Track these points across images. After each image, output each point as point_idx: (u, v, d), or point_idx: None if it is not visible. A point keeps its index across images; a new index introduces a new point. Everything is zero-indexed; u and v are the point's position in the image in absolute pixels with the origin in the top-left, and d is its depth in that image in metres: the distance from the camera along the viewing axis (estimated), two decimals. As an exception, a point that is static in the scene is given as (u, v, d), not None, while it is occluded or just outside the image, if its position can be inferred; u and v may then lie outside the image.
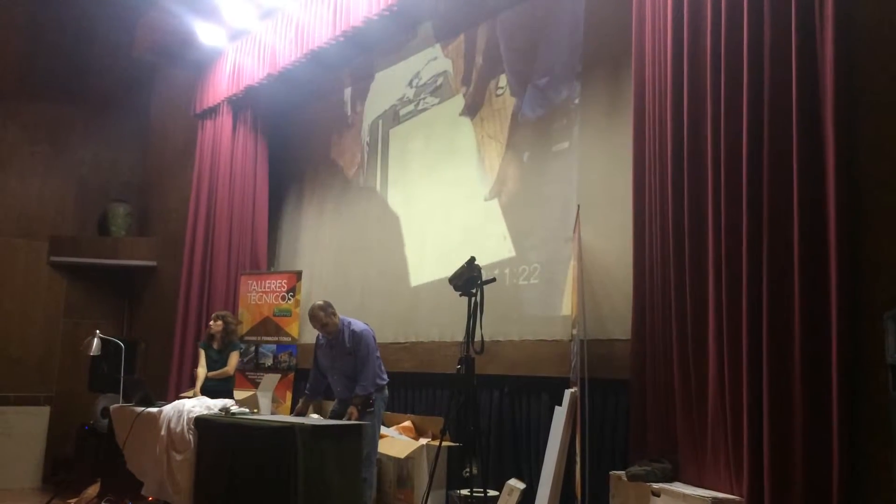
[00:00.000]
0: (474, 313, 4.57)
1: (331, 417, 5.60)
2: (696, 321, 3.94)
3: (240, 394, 6.81)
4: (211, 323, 6.63)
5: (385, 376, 5.55)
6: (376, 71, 7.50)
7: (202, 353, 6.62)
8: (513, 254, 5.72)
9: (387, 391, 5.58)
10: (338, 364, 5.52)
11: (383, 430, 5.93)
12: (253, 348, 7.51)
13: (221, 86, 8.23)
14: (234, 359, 6.58)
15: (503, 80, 6.06)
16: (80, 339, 7.52)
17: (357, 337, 5.42)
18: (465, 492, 4.72)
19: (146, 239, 9.38)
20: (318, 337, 5.66)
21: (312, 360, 5.75)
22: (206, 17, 7.84)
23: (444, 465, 5.47)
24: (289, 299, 7.39)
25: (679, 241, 4.07)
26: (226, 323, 6.63)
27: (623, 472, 4.08)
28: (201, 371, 6.51)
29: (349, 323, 5.52)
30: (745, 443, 3.53)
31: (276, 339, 7.46)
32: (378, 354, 5.54)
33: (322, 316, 5.41)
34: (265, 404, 6.96)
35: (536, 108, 5.72)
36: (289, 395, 7.13)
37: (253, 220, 8.30)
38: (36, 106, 9.20)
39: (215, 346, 6.58)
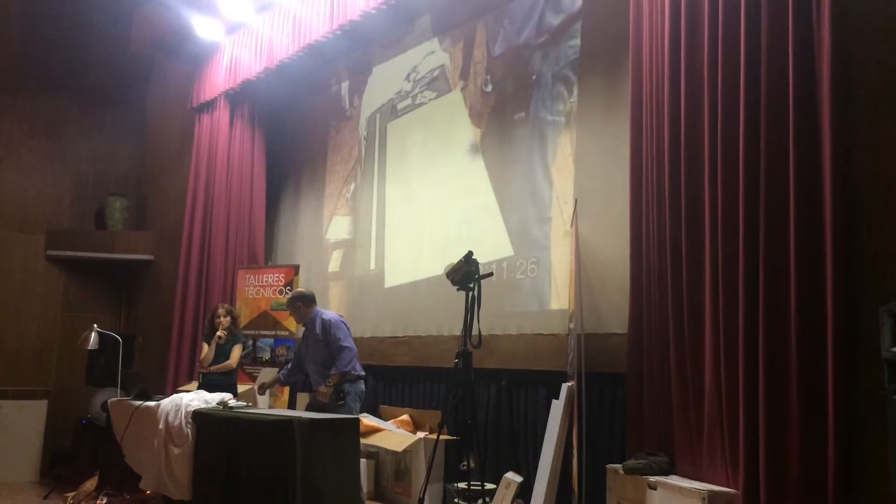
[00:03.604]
0: (472, 307, 4.58)
1: (307, 409, 5.68)
2: (692, 315, 3.95)
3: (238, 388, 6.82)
4: (220, 318, 6.60)
5: (361, 370, 5.58)
6: (374, 65, 7.49)
7: (206, 347, 6.60)
8: (510, 248, 5.72)
9: (362, 385, 5.58)
10: (310, 354, 5.70)
11: (381, 423, 5.95)
12: (250, 342, 7.52)
13: (218, 80, 8.22)
14: (236, 352, 6.58)
15: (500, 74, 6.06)
16: (77, 333, 7.52)
17: (327, 325, 5.57)
18: (462, 485, 4.73)
19: (143, 233, 9.37)
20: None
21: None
22: (203, 10, 7.83)
23: (442, 459, 5.49)
24: (286, 293, 7.38)
25: (676, 234, 4.08)
26: (232, 317, 6.65)
27: (620, 465, 4.10)
28: (208, 354, 6.51)
29: (321, 312, 5.73)
30: (742, 436, 3.55)
31: (273, 333, 7.48)
32: (354, 347, 5.58)
33: (287, 306, 5.79)
34: (262, 398, 6.96)
35: (533, 102, 5.72)
36: (286, 389, 7.15)
37: (250, 213, 8.29)
38: (33, 100, 9.18)
39: (221, 341, 6.56)
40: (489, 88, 6.13)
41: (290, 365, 5.99)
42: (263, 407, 6.45)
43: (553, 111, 5.55)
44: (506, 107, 5.95)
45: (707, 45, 3.97)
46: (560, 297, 5.30)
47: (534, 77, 5.73)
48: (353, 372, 5.46)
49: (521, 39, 5.88)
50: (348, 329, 5.66)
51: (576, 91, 5.41)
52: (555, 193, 5.46)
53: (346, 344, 5.48)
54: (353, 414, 5.41)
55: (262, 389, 5.91)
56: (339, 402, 5.39)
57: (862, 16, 3.42)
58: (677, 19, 4.19)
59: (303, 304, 5.71)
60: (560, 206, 5.40)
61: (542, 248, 5.49)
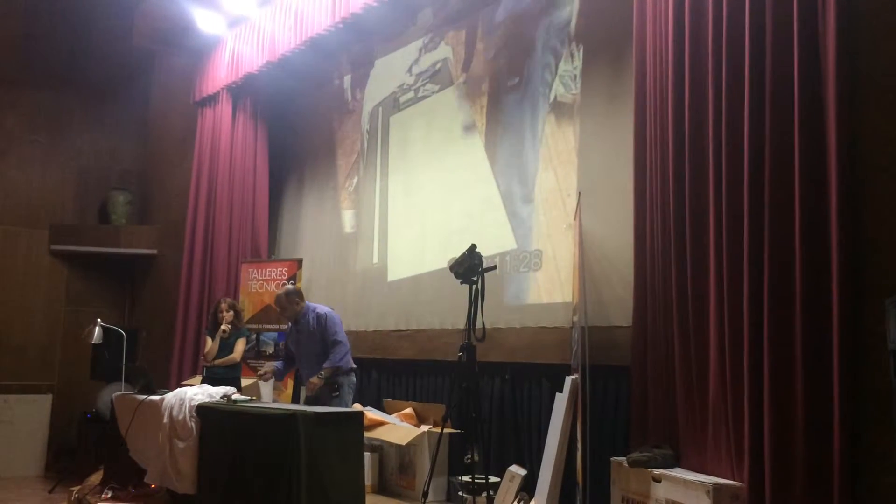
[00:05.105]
0: (475, 301, 4.58)
1: (305, 402, 5.72)
2: (697, 308, 3.94)
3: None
4: (223, 313, 6.60)
5: (352, 363, 5.71)
6: (376, 58, 7.48)
7: (210, 341, 6.59)
8: (514, 241, 5.71)
9: (354, 377, 5.75)
10: (304, 348, 5.77)
11: (385, 416, 5.96)
12: (254, 336, 7.52)
13: (221, 73, 8.21)
14: (240, 345, 6.61)
15: (499, 65, 6.03)
16: (81, 328, 7.53)
17: (322, 318, 5.69)
18: (466, 478, 4.74)
19: (147, 227, 9.38)
20: (289, 324, 6.00)
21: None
22: (205, 4, 7.82)
23: (446, 452, 5.49)
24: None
25: (680, 227, 4.06)
26: (235, 311, 6.66)
27: (624, 458, 4.09)
28: (212, 348, 6.54)
29: (314, 307, 5.83)
30: (746, 428, 3.54)
31: (277, 326, 7.47)
32: (347, 342, 5.72)
33: (283, 301, 5.76)
34: (266, 392, 6.97)
35: (533, 95, 5.70)
36: (290, 383, 7.15)
37: (253, 207, 8.29)
38: (35, 94, 9.18)
39: (225, 335, 6.56)
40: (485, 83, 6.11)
41: (282, 360, 6.12)
42: (267, 400, 6.46)
43: (543, 84, 5.54)
44: (507, 93, 5.93)
45: (711, 35, 3.94)
46: (564, 290, 5.29)
47: (532, 50, 5.71)
48: (344, 367, 5.61)
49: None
50: (341, 323, 5.81)
51: (579, 82, 5.39)
52: (558, 185, 5.44)
53: (340, 339, 5.63)
54: (347, 405, 5.57)
55: (266, 377, 6.02)
56: (335, 394, 5.53)
57: (866, 5, 3.40)
58: (681, 8, 4.16)
59: (298, 298, 5.81)
60: (563, 198, 5.38)
61: (545, 241, 5.48)
